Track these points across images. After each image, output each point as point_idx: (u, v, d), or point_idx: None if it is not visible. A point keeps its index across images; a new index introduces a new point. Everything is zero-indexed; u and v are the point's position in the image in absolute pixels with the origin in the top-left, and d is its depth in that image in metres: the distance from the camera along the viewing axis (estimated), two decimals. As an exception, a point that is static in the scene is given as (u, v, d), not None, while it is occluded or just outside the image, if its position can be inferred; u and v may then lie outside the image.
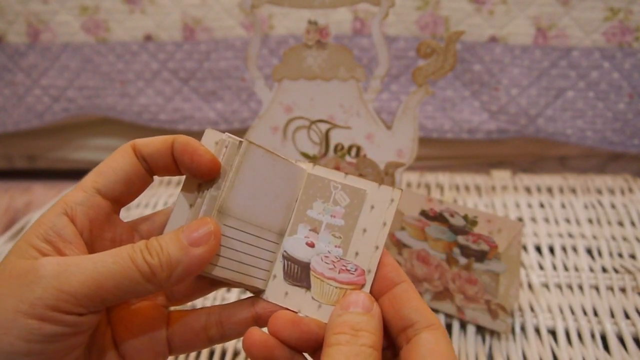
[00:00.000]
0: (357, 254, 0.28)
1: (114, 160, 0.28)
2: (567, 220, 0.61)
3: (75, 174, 0.82)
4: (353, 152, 0.51)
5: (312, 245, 0.29)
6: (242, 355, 0.44)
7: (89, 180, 0.28)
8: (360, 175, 0.44)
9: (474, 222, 0.41)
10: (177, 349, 0.30)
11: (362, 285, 0.28)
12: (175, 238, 0.26)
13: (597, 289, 0.50)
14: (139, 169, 0.29)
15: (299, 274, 0.29)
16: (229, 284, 0.30)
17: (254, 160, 0.29)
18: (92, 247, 0.28)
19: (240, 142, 0.29)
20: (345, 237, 0.29)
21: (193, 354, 0.44)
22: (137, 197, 0.30)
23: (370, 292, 0.28)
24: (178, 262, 0.26)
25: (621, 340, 0.44)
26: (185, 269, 0.26)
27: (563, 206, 0.64)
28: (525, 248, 0.56)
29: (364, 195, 0.29)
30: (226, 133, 0.30)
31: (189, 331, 0.30)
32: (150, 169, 0.29)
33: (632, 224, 0.60)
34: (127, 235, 0.30)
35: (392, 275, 0.28)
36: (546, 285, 0.51)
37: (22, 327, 0.23)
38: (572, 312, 0.47)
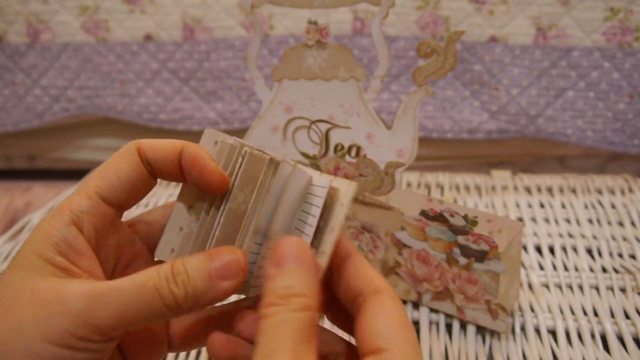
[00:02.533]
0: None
1: (118, 164, 0.28)
2: (567, 220, 0.61)
3: (75, 174, 0.83)
4: (353, 152, 0.51)
5: None
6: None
7: (92, 185, 0.27)
8: (361, 175, 0.44)
9: (474, 222, 0.41)
10: (177, 346, 0.30)
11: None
12: (204, 267, 0.25)
13: (597, 289, 0.50)
14: (143, 173, 0.28)
15: None
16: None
17: (286, 178, 0.28)
18: (98, 254, 0.27)
19: (273, 160, 0.27)
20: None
21: (193, 353, 0.44)
22: (140, 200, 0.29)
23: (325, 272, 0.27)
24: (204, 294, 0.25)
25: (621, 340, 0.44)
26: (210, 300, 0.26)
27: (563, 206, 0.64)
28: (525, 248, 0.56)
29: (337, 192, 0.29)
30: (234, 138, 0.29)
31: (190, 330, 0.30)
32: (154, 173, 0.29)
33: (632, 224, 0.60)
34: (129, 239, 0.30)
35: (342, 251, 0.27)
36: (546, 285, 0.51)
37: (50, 355, 0.23)
38: (572, 312, 0.47)
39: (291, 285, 0.24)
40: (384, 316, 0.25)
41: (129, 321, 0.24)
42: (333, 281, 0.28)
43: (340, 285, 0.27)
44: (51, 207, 0.68)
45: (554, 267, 0.54)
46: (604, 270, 0.53)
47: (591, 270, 0.53)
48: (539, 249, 0.57)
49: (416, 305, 0.48)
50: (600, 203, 0.64)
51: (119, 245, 0.29)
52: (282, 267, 0.25)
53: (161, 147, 0.28)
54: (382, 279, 0.27)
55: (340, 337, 0.29)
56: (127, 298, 0.24)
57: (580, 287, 0.51)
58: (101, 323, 0.24)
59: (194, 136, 0.85)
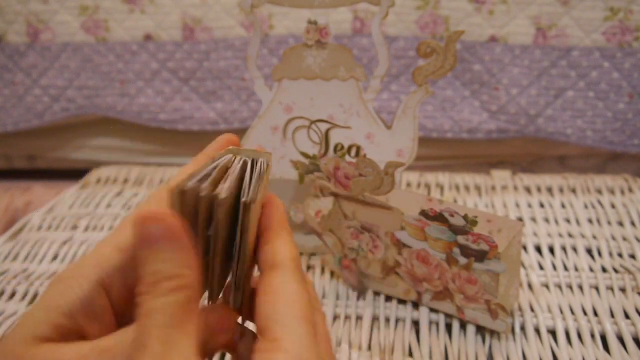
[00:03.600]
0: None
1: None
2: (567, 220, 0.61)
3: (75, 174, 0.83)
4: (353, 152, 0.51)
5: None
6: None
7: (125, 235, 0.25)
8: (361, 175, 0.44)
9: (474, 222, 0.41)
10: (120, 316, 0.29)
11: None
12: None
13: (597, 289, 0.50)
14: None
15: None
16: None
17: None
18: (125, 312, 0.25)
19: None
20: None
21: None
22: None
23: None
24: None
25: (621, 340, 0.44)
26: None
27: (563, 206, 0.64)
28: (525, 248, 0.56)
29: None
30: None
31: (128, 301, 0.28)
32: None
33: (632, 224, 0.60)
34: None
35: (261, 226, 0.26)
36: (546, 285, 0.51)
37: None
38: (572, 312, 0.47)
39: (160, 269, 0.22)
40: (273, 294, 0.23)
41: None
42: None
43: (259, 258, 0.26)
44: (51, 207, 0.68)
45: (554, 267, 0.54)
46: (604, 270, 0.53)
47: (591, 270, 0.53)
48: (539, 249, 0.57)
49: (416, 305, 0.48)
50: (600, 203, 0.64)
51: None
52: (150, 249, 0.22)
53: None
54: (286, 253, 0.25)
55: (235, 313, 0.27)
56: None
57: (580, 287, 0.51)
58: None
59: (194, 136, 0.86)
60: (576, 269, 0.53)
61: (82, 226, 0.63)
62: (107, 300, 0.24)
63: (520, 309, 0.48)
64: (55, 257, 0.58)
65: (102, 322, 0.24)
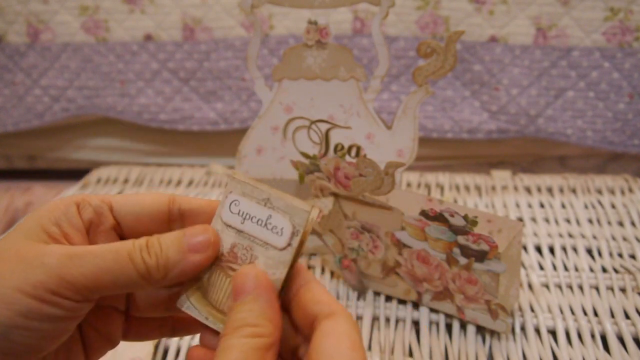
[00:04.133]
0: None
1: (145, 196, 0.30)
2: (567, 220, 0.61)
3: (75, 174, 0.83)
4: (353, 152, 0.51)
5: None
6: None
7: (110, 197, 0.30)
8: (361, 175, 0.44)
9: (474, 222, 0.41)
10: (129, 338, 0.32)
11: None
12: (177, 241, 0.27)
13: (597, 289, 0.50)
14: (164, 217, 0.30)
15: None
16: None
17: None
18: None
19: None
20: None
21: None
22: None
23: (281, 299, 0.28)
24: (175, 265, 0.27)
25: (621, 340, 0.44)
26: (180, 272, 0.27)
27: (563, 206, 0.64)
28: (525, 248, 0.56)
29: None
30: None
31: (143, 330, 0.32)
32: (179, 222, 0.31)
33: (632, 224, 0.60)
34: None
35: (300, 279, 0.28)
36: (546, 285, 0.51)
37: (23, 305, 0.25)
38: (572, 312, 0.47)
39: (244, 317, 0.25)
40: (335, 337, 0.25)
41: (102, 284, 0.26)
42: (291, 312, 0.28)
43: (298, 313, 0.28)
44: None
45: (554, 267, 0.54)
46: (604, 270, 0.53)
47: (591, 270, 0.53)
48: (539, 249, 0.57)
49: (416, 305, 0.48)
50: (600, 203, 0.64)
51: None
52: (239, 299, 0.26)
53: (196, 202, 0.30)
54: (338, 303, 0.27)
55: None
56: (102, 261, 0.26)
57: (580, 287, 0.51)
58: (75, 280, 0.25)
59: (194, 136, 0.86)
60: (576, 269, 0.53)
61: (82, 226, 0.63)
62: (80, 219, 0.28)
63: (520, 309, 0.48)
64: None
65: (81, 235, 0.28)
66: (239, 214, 0.28)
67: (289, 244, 0.27)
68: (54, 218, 0.28)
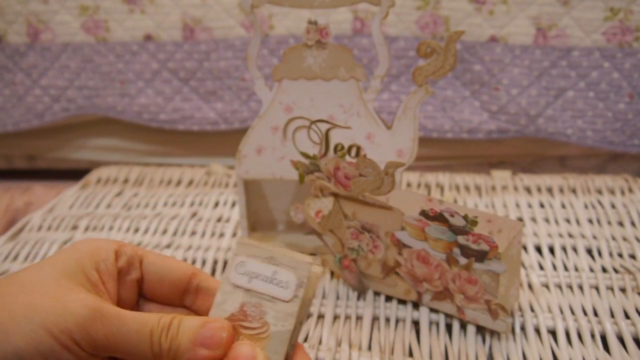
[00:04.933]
0: None
1: (172, 261, 0.33)
2: (567, 220, 0.61)
3: (75, 174, 0.83)
4: (353, 152, 0.51)
5: None
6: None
7: (142, 251, 0.32)
8: (361, 175, 0.44)
9: (474, 222, 0.41)
10: None
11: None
12: (193, 331, 0.28)
13: (597, 289, 0.50)
14: (184, 287, 0.33)
15: None
16: None
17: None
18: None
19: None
20: None
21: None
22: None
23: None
24: (183, 354, 0.28)
25: (621, 340, 0.44)
26: None
27: (563, 206, 0.64)
28: (525, 248, 0.56)
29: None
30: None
31: None
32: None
33: (632, 224, 0.60)
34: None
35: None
36: (546, 285, 0.51)
37: (46, 345, 0.26)
38: (572, 312, 0.47)
39: None
40: None
41: (118, 349, 0.27)
42: None
43: None
44: (51, 207, 0.68)
45: (554, 267, 0.54)
46: (604, 270, 0.53)
47: (591, 270, 0.53)
48: (539, 249, 0.57)
49: (416, 305, 0.48)
50: (600, 203, 0.64)
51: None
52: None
53: (215, 283, 0.33)
54: None
55: None
56: (126, 329, 0.27)
57: (580, 287, 0.51)
58: (97, 337, 0.27)
59: (194, 136, 0.86)
60: (576, 269, 0.53)
61: (82, 226, 0.63)
62: (117, 267, 0.30)
63: (520, 309, 0.48)
64: (55, 257, 0.58)
65: (113, 281, 0.30)
66: (245, 273, 0.30)
67: (295, 295, 0.29)
68: (95, 263, 0.29)
